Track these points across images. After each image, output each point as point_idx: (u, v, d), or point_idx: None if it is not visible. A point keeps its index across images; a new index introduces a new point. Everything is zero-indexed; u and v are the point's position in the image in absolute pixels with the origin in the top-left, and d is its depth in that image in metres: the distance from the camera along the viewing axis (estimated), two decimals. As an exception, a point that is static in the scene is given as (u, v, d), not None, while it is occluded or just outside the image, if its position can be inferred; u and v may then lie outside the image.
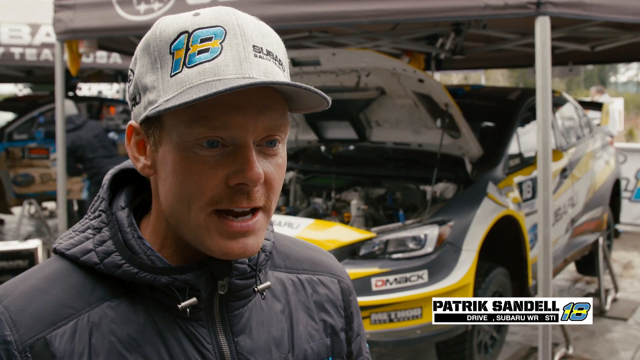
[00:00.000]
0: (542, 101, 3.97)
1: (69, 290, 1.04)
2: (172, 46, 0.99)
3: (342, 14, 4.45)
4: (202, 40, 0.98)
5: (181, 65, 0.98)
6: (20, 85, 22.80)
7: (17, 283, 1.05)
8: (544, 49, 3.91)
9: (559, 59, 7.87)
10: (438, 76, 9.77)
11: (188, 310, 1.05)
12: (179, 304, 1.04)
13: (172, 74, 0.98)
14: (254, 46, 1.00)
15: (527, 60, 8.29)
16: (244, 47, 0.99)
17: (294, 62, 5.22)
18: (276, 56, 1.03)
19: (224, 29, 0.99)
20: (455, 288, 4.56)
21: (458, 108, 5.05)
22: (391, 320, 4.48)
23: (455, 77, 25.73)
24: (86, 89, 18.09)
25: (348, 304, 1.29)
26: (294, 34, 6.82)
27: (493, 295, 5.06)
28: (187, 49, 0.98)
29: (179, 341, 1.06)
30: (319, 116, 6.15)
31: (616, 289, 7.31)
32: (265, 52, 1.01)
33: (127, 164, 1.16)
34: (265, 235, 1.14)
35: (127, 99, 1.09)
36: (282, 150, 1.06)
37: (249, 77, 0.97)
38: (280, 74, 1.02)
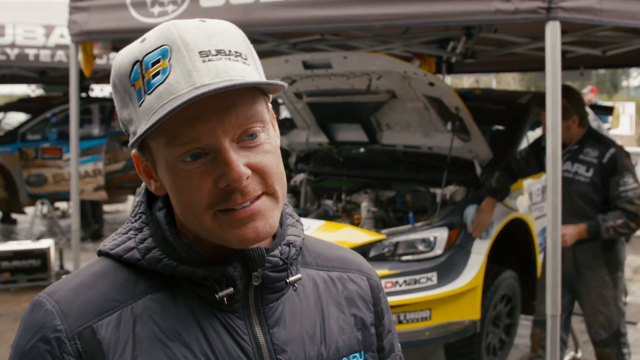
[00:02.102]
0: (552, 105, 3.98)
1: (113, 285, 1.11)
2: (131, 78, 1.05)
3: (355, 17, 4.48)
4: (153, 64, 1.03)
5: (143, 94, 1.03)
6: (33, 86, 22.90)
7: (66, 280, 1.14)
8: (554, 53, 3.92)
9: (570, 62, 7.86)
10: (449, 79, 9.78)
11: (225, 299, 1.11)
12: (217, 294, 1.10)
13: (139, 104, 1.04)
14: (199, 52, 1.03)
15: (538, 64, 8.24)
16: (190, 58, 1.02)
17: (306, 65, 5.26)
18: (229, 51, 1.05)
19: (169, 46, 1.03)
20: (464, 290, 4.59)
21: (468, 111, 5.08)
22: (400, 322, 4.51)
23: (467, 81, 25.67)
24: (98, 90, 18.18)
25: (377, 300, 1.33)
26: (306, 36, 6.86)
27: (502, 298, 5.09)
28: (143, 77, 1.03)
29: (217, 332, 1.11)
30: (330, 119, 6.18)
31: (626, 293, 7.30)
32: (214, 52, 1.03)
33: None
34: (283, 222, 1.21)
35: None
36: (266, 137, 1.09)
37: (201, 85, 1.00)
38: (238, 67, 1.05)
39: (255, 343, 1.13)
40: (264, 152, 1.07)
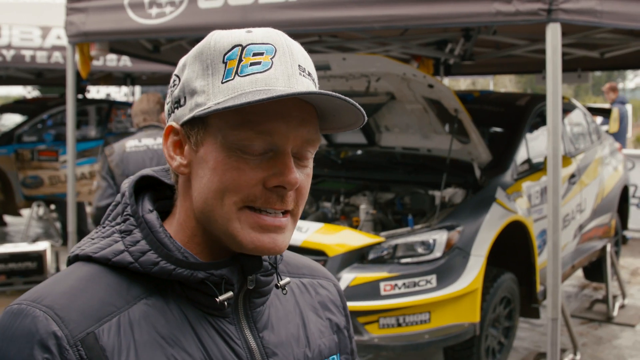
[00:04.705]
0: (553, 107, 3.97)
1: (107, 290, 1.08)
2: (226, 56, 1.08)
3: (354, 19, 4.46)
4: (255, 54, 1.07)
5: (233, 74, 1.06)
6: (29, 88, 22.86)
7: (51, 286, 1.08)
8: (554, 55, 3.91)
9: (568, 65, 7.86)
10: (446, 81, 9.78)
11: (226, 304, 1.11)
12: (217, 298, 1.10)
13: (224, 80, 1.07)
14: (299, 65, 1.09)
15: (536, 66, 8.30)
16: (291, 65, 1.08)
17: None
18: (314, 79, 1.13)
19: (275, 46, 1.08)
20: (464, 293, 4.57)
21: (467, 113, 5.06)
22: (399, 325, 4.49)
23: (464, 83, 25.72)
24: (95, 92, 18.15)
25: (345, 305, 1.39)
26: (304, 38, 6.84)
27: (501, 301, 5.07)
28: (240, 60, 1.07)
29: (211, 336, 1.11)
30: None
31: (624, 296, 7.31)
32: (307, 72, 1.11)
33: (145, 172, 1.22)
34: None
35: (168, 103, 1.16)
36: (311, 162, 1.15)
37: (296, 91, 1.05)
38: None
39: (247, 347, 1.14)
40: (305, 175, 1.13)
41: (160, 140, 4.84)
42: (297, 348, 1.21)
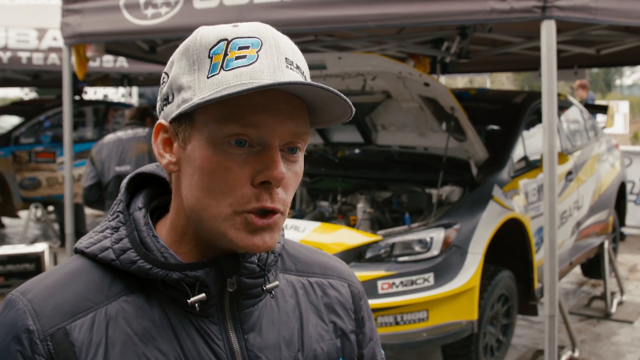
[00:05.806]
0: (548, 105, 3.98)
1: (88, 285, 1.10)
2: (211, 51, 1.06)
3: (349, 18, 4.46)
4: (240, 48, 1.06)
5: (219, 68, 1.05)
6: (26, 89, 22.81)
7: (41, 278, 1.12)
8: (549, 52, 3.92)
9: (564, 62, 7.87)
10: (443, 80, 9.77)
11: (197, 305, 1.10)
12: (189, 299, 1.09)
13: (209, 75, 1.05)
14: (286, 58, 1.07)
15: (532, 64, 8.29)
16: (277, 58, 1.06)
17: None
18: (303, 72, 1.11)
19: (261, 40, 1.07)
20: (461, 291, 4.57)
21: (464, 111, 5.06)
22: (397, 323, 4.49)
23: (461, 81, 25.72)
24: (92, 93, 18.12)
25: (359, 307, 1.33)
26: (300, 37, 6.84)
27: (499, 298, 5.07)
28: (226, 55, 1.05)
29: (191, 336, 1.11)
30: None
31: (622, 292, 7.31)
32: (295, 65, 1.09)
33: (144, 168, 1.23)
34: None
35: (158, 100, 1.16)
36: (301, 158, 1.13)
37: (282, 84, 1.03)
38: None
39: (229, 348, 1.12)
40: (294, 172, 1.11)
41: (130, 131, 6.06)
42: (286, 352, 1.18)
